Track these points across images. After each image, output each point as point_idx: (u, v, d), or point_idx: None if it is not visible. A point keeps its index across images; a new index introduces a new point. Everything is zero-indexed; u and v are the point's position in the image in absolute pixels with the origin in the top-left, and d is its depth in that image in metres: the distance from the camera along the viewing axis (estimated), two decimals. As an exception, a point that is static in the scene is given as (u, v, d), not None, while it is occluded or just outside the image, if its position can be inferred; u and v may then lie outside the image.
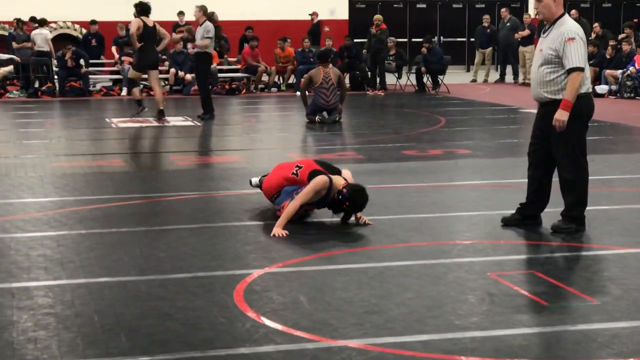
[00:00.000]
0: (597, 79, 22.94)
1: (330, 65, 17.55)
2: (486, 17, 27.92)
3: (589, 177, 7.98)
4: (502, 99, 21.84)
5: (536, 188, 8.05)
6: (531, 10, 28.42)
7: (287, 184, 8.59)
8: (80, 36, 27.83)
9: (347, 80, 25.48)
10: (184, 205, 9.35)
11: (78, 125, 17.59)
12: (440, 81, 24.64)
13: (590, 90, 7.97)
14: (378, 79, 24.59)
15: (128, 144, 14.96)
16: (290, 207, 8.12)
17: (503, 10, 27.39)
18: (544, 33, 7.97)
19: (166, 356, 4.98)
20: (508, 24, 26.73)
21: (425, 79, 24.83)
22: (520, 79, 26.24)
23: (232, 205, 9.34)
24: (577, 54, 7.64)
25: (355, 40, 26.24)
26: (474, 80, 27.65)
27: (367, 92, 24.39)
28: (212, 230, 8.13)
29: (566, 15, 7.90)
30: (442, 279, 6.51)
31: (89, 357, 4.97)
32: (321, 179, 8.20)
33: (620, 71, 22.32)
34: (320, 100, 17.08)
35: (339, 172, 8.52)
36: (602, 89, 22.38)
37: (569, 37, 7.67)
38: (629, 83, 21.91)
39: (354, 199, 8.09)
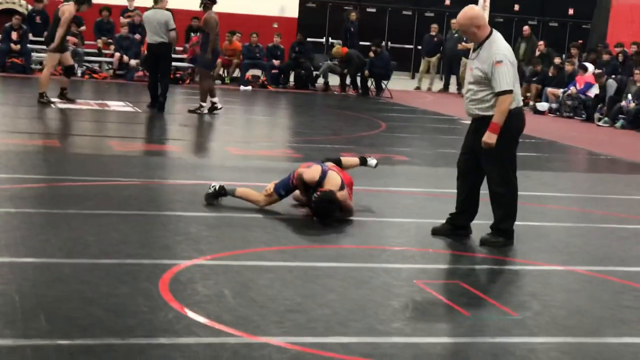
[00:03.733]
0: (539, 96, 23.25)
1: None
2: (434, 26, 28.08)
3: (521, 193, 8.07)
4: (444, 109, 21.97)
5: (465, 198, 8.13)
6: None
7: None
8: (26, 12, 27.48)
9: (291, 78, 25.54)
10: (117, 191, 9.27)
11: (17, 102, 17.39)
12: (384, 86, 24.72)
13: (521, 105, 8.02)
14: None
15: (67, 125, 14.83)
16: None
17: (453, 21, 27.47)
18: (473, 52, 8.01)
19: (85, 341, 4.95)
20: (456, 35, 26.82)
21: (369, 83, 24.91)
22: (464, 90, 26.37)
23: (165, 194, 9.31)
24: (505, 77, 7.68)
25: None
26: (418, 88, 27.81)
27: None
28: (144, 218, 8.10)
29: (494, 34, 7.87)
30: (367, 283, 6.55)
31: (6, 337, 4.92)
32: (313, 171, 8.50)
33: (562, 90, 22.60)
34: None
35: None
36: (542, 106, 22.69)
37: (496, 60, 7.70)
38: (569, 102, 22.17)
39: (315, 204, 8.27)
